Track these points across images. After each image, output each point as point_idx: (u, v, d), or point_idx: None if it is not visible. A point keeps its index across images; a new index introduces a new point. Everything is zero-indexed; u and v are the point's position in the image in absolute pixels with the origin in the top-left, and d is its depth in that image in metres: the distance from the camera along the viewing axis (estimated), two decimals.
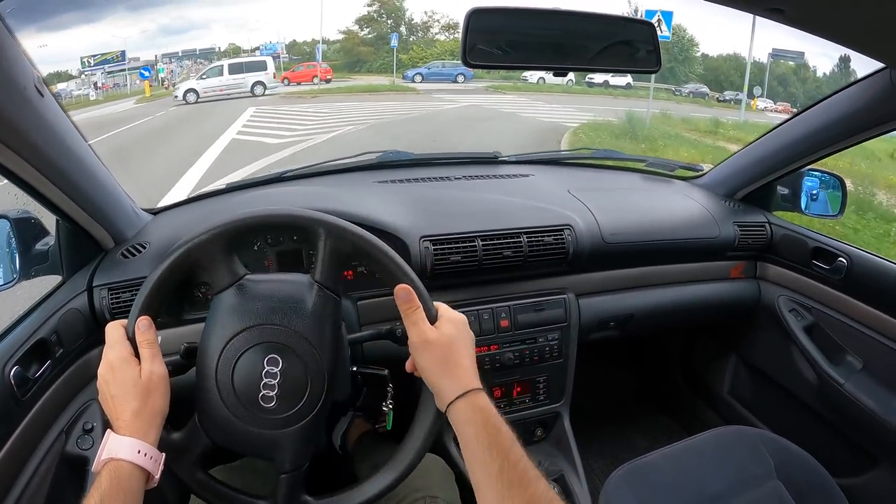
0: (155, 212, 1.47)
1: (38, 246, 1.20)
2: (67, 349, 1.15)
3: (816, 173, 1.68)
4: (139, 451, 0.73)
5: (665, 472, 1.25)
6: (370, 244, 0.87)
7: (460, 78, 23.36)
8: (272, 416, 0.84)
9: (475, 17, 0.98)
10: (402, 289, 0.84)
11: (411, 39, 33.51)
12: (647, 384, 2.24)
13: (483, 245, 1.30)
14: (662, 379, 2.19)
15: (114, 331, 0.82)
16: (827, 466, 1.22)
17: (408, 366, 0.88)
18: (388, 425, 1.05)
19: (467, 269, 1.30)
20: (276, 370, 0.83)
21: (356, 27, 33.58)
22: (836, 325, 1.55)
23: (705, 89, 30.81)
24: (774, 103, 27.35)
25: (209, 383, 0.84)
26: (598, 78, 24.06)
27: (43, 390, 1.09)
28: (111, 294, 1.21)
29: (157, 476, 0.76)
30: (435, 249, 1.29)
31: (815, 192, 1.69)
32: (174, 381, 0.85)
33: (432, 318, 0.85)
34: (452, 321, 0.85)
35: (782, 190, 1.75)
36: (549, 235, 1.35)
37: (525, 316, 1.37)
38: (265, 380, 0.83)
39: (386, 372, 0.98)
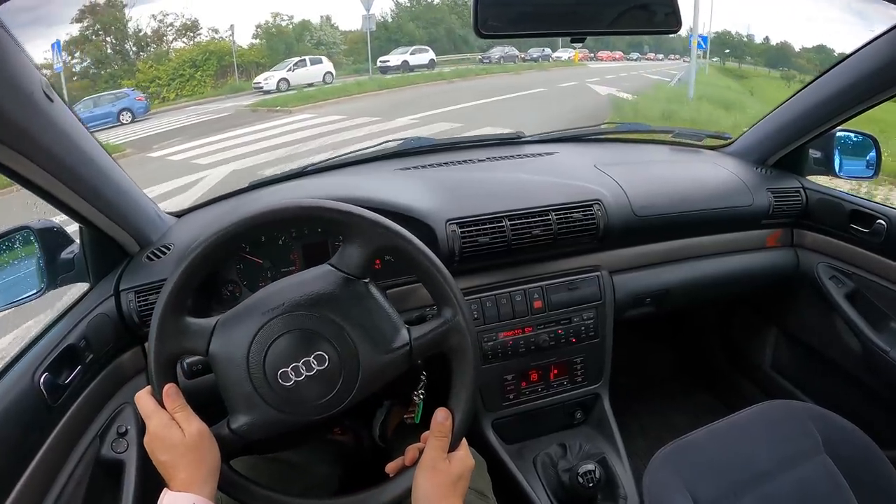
0: (179, 214, 1.47)
1: (64, 254, 1.20)
2: (97, 354, 1.15)
3: (849, 133, 1.62)
4: None
5: (710, 451, 1.21)
6: (414, 247, 0.86)
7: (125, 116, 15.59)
8: (293, 402, 0.83)
9: None
10: (442, 411, 0.86)
11: (141, 56, 25.32)
12: (685, 361, 2.19)
13: (511, 225, 1.28)
14: (701, 355, 2.14)
15: (146, 402, 0.84)
16: (875, 439, 1.17)
17: (389, 468, 0.92)
18: (417, 418, 1.05)
19: (496, 250, 1.28)
20: (311, 359, 0.82)
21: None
22: (879, 291, 1.50)
23: (514, 51, 31.06)
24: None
25: (238, 373, 0.83)
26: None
27: (75, 396, 1.09)
28: (138, 297, 1.21)
29: None
30: (462, 232, 1.26)
31: (847, 152, 1.63)
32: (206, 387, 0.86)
33: (452, 448, 0.86)
34: (465, 463, 0.87)
35: (814, 153, 1.70)
36: (579, 211, 1.32)
37: (558, 296, 1.35)
38: (298, 364, 0.82)
39: (419, 360, 0.95)
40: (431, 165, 1.56)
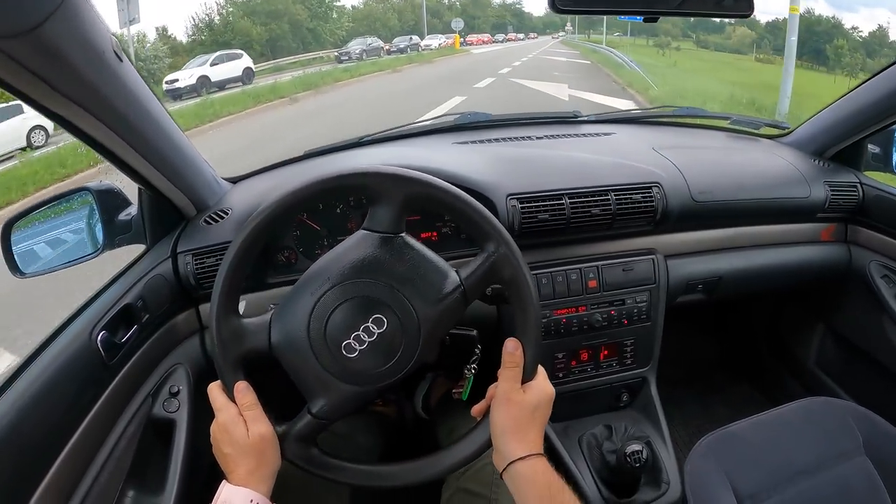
0: (234, 180, 1.49)
1: (121, 216, 1.22)
2: (153, 314, 1.17)
3: None
4: (251, 501, 0.78)
5: (752, 443, 1.21)
6: (462, 201, 0.86)
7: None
8: (370, 372, 0.84)
9: None
10: (512, 341, 0.85)
11: None
12: (729, 352, 2.17)
13: (571, 203, 1.27)
14: (746, 347, 2.12)
15: (218, 395, 0.86)
16: None
17: (474, 410, 0.91)
18: (465, 394, 1.04)
19: (555, 227, 1.27)
20: (370, 324, 0.83)
21: None
22: None
23: (378, 42, 30.77)
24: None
25: (301, 346, 0.83)
26: None
27: (129, 355, 1.11)
28: (195, 259, 1.23)
29: None
30: (522, 208, 1.26)
31: None
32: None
33: (526, 378, 0.85)
34: (543, 391, 0.85)
35: (873, 148, 1.65)
36: (638, 193, 1.30)
37: (613, 276, 1.34)
38: (359, 333, 0.82)
39: (475, 332, 0.97)
40: (489, 141, 1.55)
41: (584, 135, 1.60)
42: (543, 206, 1.26)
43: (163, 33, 29.83)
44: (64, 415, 0.95)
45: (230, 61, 20.23)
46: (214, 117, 12.03)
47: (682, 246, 1.43)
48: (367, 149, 1.59)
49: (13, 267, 1.15)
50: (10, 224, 1.17)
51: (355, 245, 0.86)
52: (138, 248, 1.26)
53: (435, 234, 1.31)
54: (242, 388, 0.85)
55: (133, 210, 1.23)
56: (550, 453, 1.24)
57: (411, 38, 34.23)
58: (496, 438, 0.83)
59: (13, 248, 1.16)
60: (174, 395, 1.17)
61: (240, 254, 0.84)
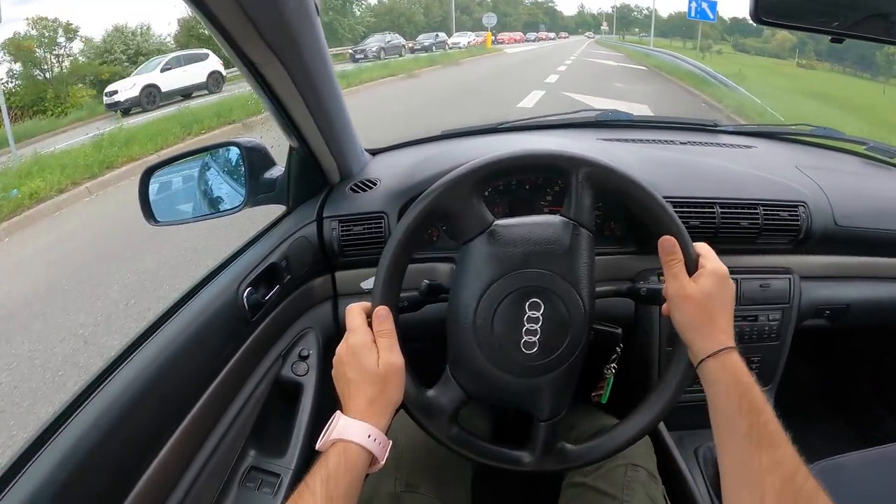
0: (373, 152, 1.50)
1: (266, 175, 1.22)
2: (294, 275, 1.19)
3: None
4: (369, 436, 0.73)
5: (861, 478, 1.17)
6: (635, 185, 0.85)
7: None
8: (533, 363, 0.83)
9: None
10: (666, 239, 0.83)
11: None
12: (831, 383, 2.11)
13: (722, 213, 1.25)
14: (849, 382, 2.06)
15: (356, 315, 0.82)
16: None
17: (664, 309, 0.86)
18: (605, 397, 1.02)
19: (703, 235, 1.24)
20: (537, 314, 0.82)
21: None
22: None
23: (399, 40, 29.28)
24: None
25: (466, 334, 0.83)
26: None
27: (268, 314, 1.13)
28: (342, 226, 1.23)
29: (382, 462, 0.76)
30: (675, 211, 1.24)
31: None
32: (423, 331, 0.87)
33: (692, 269, 0.83)
34: (714, 274, 0.82)
35: None
36: (785, 210, 1.27)
37: (751, 291, 1.30)
38: (527, 325, 0.82)
39: (619, 330, 0.94)
40: (633, 140, 1.53)
41: (724, 145, 1.57)
42: (694, 212, 1.24)
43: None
44: (206, 364, 0.97)
45: (190, 64, 16.68)
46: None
47: (814, 269, 1.39)
48: (506, 135, 1.59)
49: (148, 214, 1.17)
50: (150, 171, 1.19)
51: (548, 225, 0.87)
52: (272, 210, 1.27)
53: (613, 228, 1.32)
54: (383, 314, 0.82)
55: (277, 171, 1.24)
56: (666, 461, 1.23)
57: (437, 36, 32.99)
58: (684, 339, 0.82)
59: (150, 195, 1.18)
60: (304, 358, 1.18)
61: (427, 209, 0.84)
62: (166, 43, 25.83)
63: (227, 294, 1.03)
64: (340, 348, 0.80)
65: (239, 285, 1.05)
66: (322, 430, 0.71)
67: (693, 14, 21.27)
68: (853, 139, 1.69)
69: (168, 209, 1.23)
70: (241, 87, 13.15)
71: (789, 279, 1.32)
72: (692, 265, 0.83)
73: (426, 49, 29.44)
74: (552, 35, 71.72)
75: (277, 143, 1.24)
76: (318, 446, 0.72)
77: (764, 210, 1.25)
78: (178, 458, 0.89)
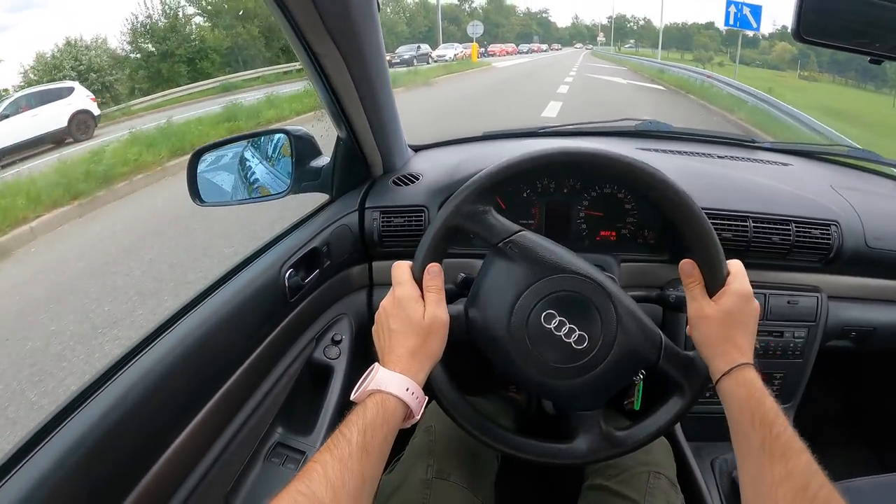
0: (416, 148, 1.54)
1: (312, 163, 1.27)
2: (334, 262, 1.23)
3: None
4: (407, 389, 0.73)
5: (872, 502, 1.17)
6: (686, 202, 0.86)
7: None
8: (543, 360, 0.83)
9: None
10: (686, 263, 0.84)
11: None
12: (854, 409, 2.09)
13: (755, 227, 1.26)
14: (874, 407, 2.04)
15: (403, 270, 0.83)
16: None
17: (687, 330, 0.87)
18: (637, 404, 1.02)
19: (735, 248, 1.26)
20: (570, 321, 0.82)
21: None
22: None
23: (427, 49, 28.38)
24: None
25: (508, 297, 0.83)
26: None
27: (305, 296, 1.17)
28: (383, 216, 1.27)
29: (417, 417, 0.76)
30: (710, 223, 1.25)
31: None
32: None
33: (714, 289, 0.83)
34: (737, 294, 0.82)
35: None
36: (817, 229, 1.28)
37: (778, 307, 1.31)
38: (559, 333, 0.82)
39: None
40: (672, 152, 1.55)
41: (761, 161, 1.58)
42: (728, 224, 1.25)
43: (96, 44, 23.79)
44: (243, 339, 1.01)
45: (42, 105, 12.52)
46: None
47: (843, 289, 1.39)
48: (546, 139, 1.61)
49: (195, 194, 1.22)
50: (201, 152, 1.24)
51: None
52: (315, 198, 1.31)
53: (614, 233, 1.32)
54: (435, 270, 0.82)
55: (323, 160, 1.28)
56: (684, 470, 1.25)
57: (419, 48, 30.25)
58: (703, 357, 0.83)
59: (198, 175, 1.23)
60: (336, 342, 1.22)
61: (500, 175, 0.86)
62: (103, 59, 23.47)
63: (270, 273, 1.07)
64: (386, 300, 0.81)
65: (281, 266, 1.10)
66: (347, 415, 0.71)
67: (731, 22, 19.70)
68: (891, 163, 1.68)
69: (214, 190, 1.27)
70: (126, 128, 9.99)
71: (817, 297, 1.33)
72: (714, 284, 0.83)
73: (406, 63, 26.65)
74: (544, 47, 70.96)
75: (325, 133, 1.29)
76: (353, 397, 0.73)
77: (796, 227, 1.27)
78: (210, 427, 0.94)
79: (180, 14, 27.14)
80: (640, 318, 0.85)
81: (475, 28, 32.61)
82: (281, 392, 1.12)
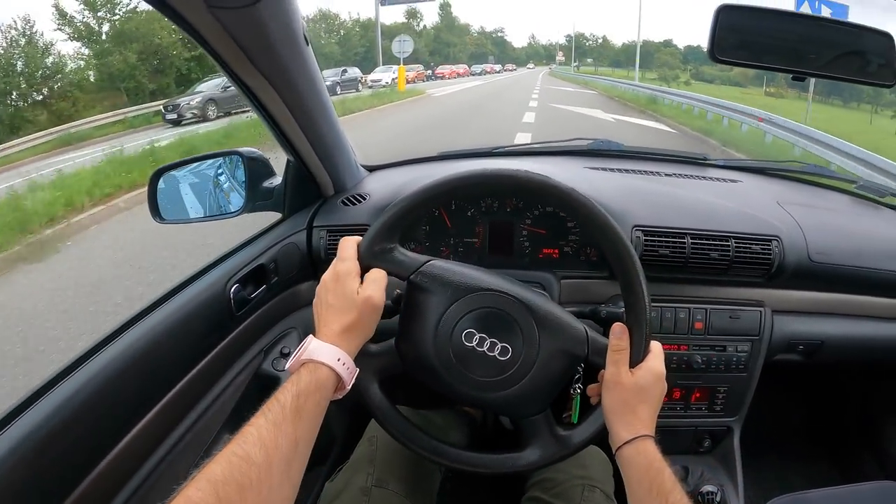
0: (371, 168, 1.59)
1: (265, 184, 1.31)
2: (281, 278, 1.28)
3: None
4: (339, 359, 0.76)
5: None
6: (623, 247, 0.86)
7: None
8: (476, 378, 0.86)
9: (725, 13, 0.98)
10: (618, 326, 0.86)
11: None
12: (814, 421, 2.10)
13: (692, 243, 1.29)
14: (833, 420, 2.05)
15: (349, 246, 0.86)
16: None
17: (589, 390, 0.93)
18: (575, 417, 1.02)
19: (673, 264, 1.29)
20: (490, 335, 0.85)
21: None
22: None
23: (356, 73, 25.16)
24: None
25: (429, 325, 0.86)
26: None
27: (253, 311, 1.21)
28: (329, 235, 1.32)
29: (348, 388, 0.79)
30: (646, 240, 1.28)
31: None
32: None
33: (634, 361, 0.85)
34: (651, 371, 0.85)
35: None
36: (757, 244, 1.30)
37: (720, 322, 1.34)
38: (481, 349, 0.85)
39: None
40: (620, 170, 1.58)
41: (710, 178, 1.61)
42: (666, 241, 1.28)
43: None
44: (189, 350, 1.06)
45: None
46: None
47: (789, 303, 1.41)
48: (499, 159, 1.66)
49: (155, 211, 1.28)
50: (161, 172, 1.30)
51: None
52: (269, 216, 1.36)
53: (556, 251, 1.35)
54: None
55: (275, 180, 1.33)
56: (621, 485, 1.26)
57: (345, 72, 25.32)
58: (606, 422, 0.85)
59: (158, 194, 1.28)
60: (284, 355, 1.26)
61: (403, 211, 0.88)
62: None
63: (216, 288, 1.12)
64: (326, 274, 0.84)
65: (227, 281, 1.14)
66: None
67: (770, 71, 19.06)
68: (843, 177, 1.71)
69: (174, 208, 1.32)
70: None
71: (760, 312, 1.35)
72: (635, 357, 0.85)
73: (329, 90, 23.27)
74: (497, 67, 68.82)
75: (276, 156, 1.34)
76: (287, 367, 0.76)
77: (735, 242, 1.29)
78: (154, 432, 0.97)
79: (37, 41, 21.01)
80: (560, 319, 0.88)
81: (403, 44, 24.68)
82: (228, 402, 1.16)
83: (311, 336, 0.79)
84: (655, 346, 0.87)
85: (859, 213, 1.60)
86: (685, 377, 1.36)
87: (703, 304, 1.34)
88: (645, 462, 0.79)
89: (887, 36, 1.07)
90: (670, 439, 1.40)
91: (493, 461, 0.90)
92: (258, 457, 0.62)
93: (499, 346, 0.85)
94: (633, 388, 0.83)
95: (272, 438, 0.65)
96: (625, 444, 0.81)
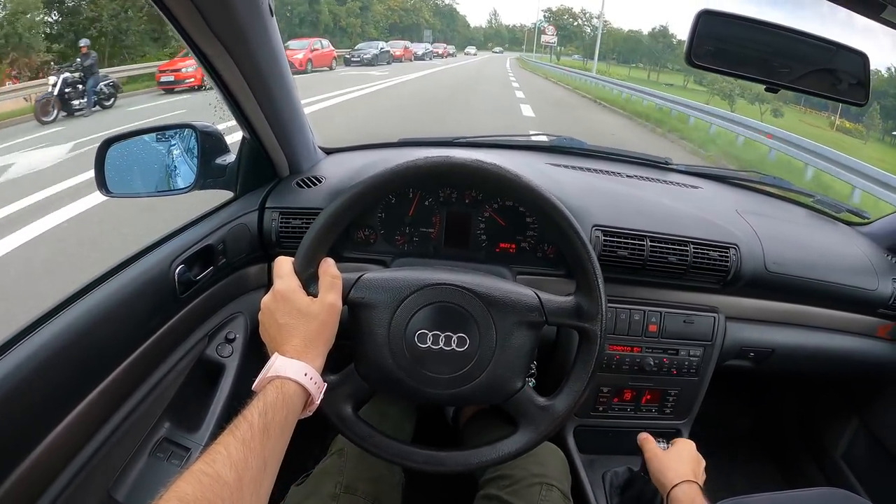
0: (328, 151, 1.53)
1: (218, 160, 1.25)
2: (230, 260, 1.22)
3: None
4: (306, 374, 0.75)
5: None
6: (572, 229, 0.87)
7: None
8: (442, 377, 0.85)
9: (704, 19, 0.97)
10: (640, 436, 1.19)
11: None
12: (759, 427, 2.15)
13: (651, 246, 1.28)
14: (776, 426, 2.10)
15: (284, 264, 0.85)
16: None
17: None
18: None
19: (630, 266, 1.29)
20: (443, 330, 0.84)
21: None
22: None
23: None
24: None
25: (379, 338, 0.85)
26: None
27: (198, 293, 1.16)
28: (282, 218, 1.27)
29: (317, 404, 0.78)
30: (605, 240, 1.28)
31: None
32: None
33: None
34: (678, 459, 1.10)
35: None
36: (715, 251, 1.31)
37: (674, 326, 1.35)
38: (438, 346, 0.84)
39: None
40: (581, 168, 1.57)
41: (671, 182, 1.61)
42: (624, 243, 1.27)
43: None
44: (130, 333, 1.00)
45: None
46: None
47: (743, 311, 1.43)
48: (461, 149, 1.62)
49: (102, 184, 1.20)
50: (109, 142, 1.22)
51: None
52: (221, 195, 1.31)
53: (514, 245, 1.32)
54: (332, 262, 0.85)
55: (229, 158, 1.27)
56: (576, 483, 1.26)
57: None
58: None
59: (106, 165, 1.20)
60: (230, 341, 1.22)
61: (348, 204, 0.86)
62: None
63: (159, 269, 1.06)
64: (266, 298, 0.83)
65: (172, 262, 1.08)
66: (238, 411, 0.71)
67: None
68: (801, 191, 1.74)
69: (122, 182, 1.24)
70: None
71: (714, 318, 1.36)
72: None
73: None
74: (421, 49, 39.55)
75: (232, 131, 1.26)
76: (254, 386, 0.74)
77: (694, 248, 1.29)
78: (92, 417, 0.92)
79: None
80: (507, 292, 0.87)
81: None
82: (170, 387, 1.12)
83: (276, 354, 0.77)
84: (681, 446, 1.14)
85: (816, 227, 1.63)
86: (637, 379, 1.37)
87: (658, 308, 1.34)
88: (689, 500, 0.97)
89: (862, 56, 1.08)
90: (619, 439, 1.42)
91: (486, 454, 0.89)
92: (229, 477, 0.60)
93: (454, 338, 0.84)
94: (673, 454, 1.10)
95: (242, 458, 0.63)
96: (674, 487, 1.01)
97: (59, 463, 0.87)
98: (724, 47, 1.00)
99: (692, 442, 1.08)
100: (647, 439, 1.14)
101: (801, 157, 8.36)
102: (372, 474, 1.07)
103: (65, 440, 0.86)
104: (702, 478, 1.07)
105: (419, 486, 1.23)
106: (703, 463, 1.08)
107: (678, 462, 1.06)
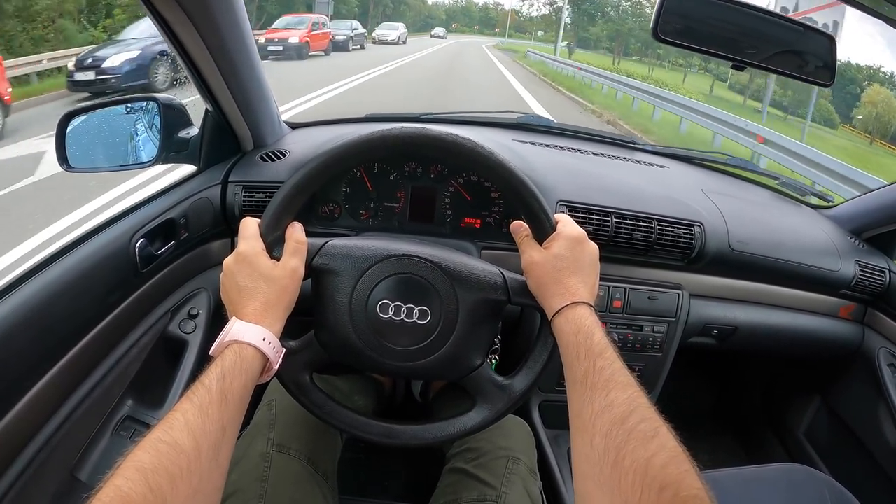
0: (294, 125, 1.52)
1: (181, 134, 1.23)
2: (192, 234, 1.21)
3: None
4: (264, 339, 0.73)
5: (729, 492, 1.22)
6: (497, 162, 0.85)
7: None
8: (402, 349, 0.84)
9: None
10: (514, 222, 0.89)
11: None
12: (723, 404, 2.19)
13: (616, 222, 1.29)
14: (739, 403, 2.14)
15: (249, 226, 0.82)
16: None
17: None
18: None
19: (595, 241, 1.28)
20: (405, 302, 0.83)
21: None
22: None
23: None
24: None
25: (341, 306, 0.84)
26: None
27: (160, 268, 1.14)
28: (245, 191, 1.26)
29: (275, 368, 0.77)
30: (570, 216, 1.27)
31: None
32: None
33: (545, 235, 0.85)
34: (566, 238, 0.83)
35: None
36: (680, 228, 1.32)
37: (638, 302, 1.36)
38: (399, 318, 0.83)
39: (497, 324, 0.97)
40: (548, 146, 1.58)
41: (637, 161, 1.62)
42: (590, 218, 1.28)
43: None
44: (89, 308, 0.98)
45: None
46: None
47: (707, 289, 1.45)
48: (428, 125, 1.60)
49: (63, 159, 1.17)
50: (70, 116, 1.19)
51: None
52: (184, 169, 1.29)
53: (479, 221, 1.33)
54: (299, 227, 0.83)
55: (192, 131, 1.25)
56: (541, 458, 1.27)
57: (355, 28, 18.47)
58: (540, 304, 0.84)
59: (67, 140, 1.18)
60: (193, 317, 1.20)
61: (311, 174, 0.84)
62: None
63: (119, 243, 1.04)
64: (229, 259, 0.80)
65: (133, 236, 1.06)
66: None
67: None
68: (767, 173, 1.76)
69: (83, 156, 1.21)
70: None
71: (678, 295, 1.38)
72: (541, 232, 0.85)
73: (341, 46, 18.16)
74: (342, 34, 23.08)
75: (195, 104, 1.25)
76: (211, 351, 0.72)
77: (659, 225, 1.30)
78: (52, 395, 0.90)
79: None
80: (472, 269, 0.86)
81: None
82: (132, 364, 1.10)
83: (233, 318, 0.75)
84: (561, 216, 0.87)
85: (780, 208, 1.66)
86: None
87: (622, 284, 1.36)
88: (573, 328, 0.76)
89: (829, 38, 1.09)
90: None
91: (442, 429, 0.89)
92: (187, 444, 0.59)
93: (416, 310, 0.83)
94: (549, 260, 0.82)
95: (199, 424, 0.61)
96: (555, 315, 0.79)
97: (19, 443, 0.85)
98: (690, 24, 1.00)
99: (595, 245, 0.87)
100: (520, 227, 0.89)
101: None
102: (306, 431, 1.05)
103: (24, 419, 0.84)
104: (595, 295, 0.84)
105: (359, 449, 1.24)
106: (598, 268, 0.87)
107: (565, 271, 0.82)
